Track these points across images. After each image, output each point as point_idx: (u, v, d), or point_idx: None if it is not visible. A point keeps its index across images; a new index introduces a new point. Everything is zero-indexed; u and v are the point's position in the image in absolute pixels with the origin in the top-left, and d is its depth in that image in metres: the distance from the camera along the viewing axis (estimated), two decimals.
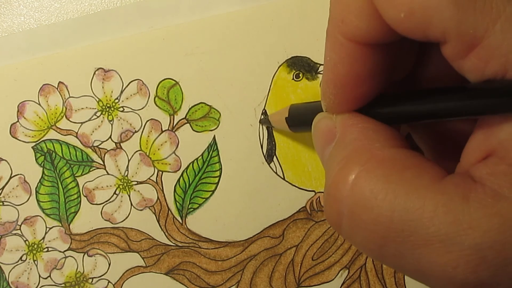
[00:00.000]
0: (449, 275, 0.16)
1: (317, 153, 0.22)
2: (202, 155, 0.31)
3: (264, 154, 0.31)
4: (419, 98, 0.19)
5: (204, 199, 0.31)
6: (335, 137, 0.20)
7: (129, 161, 0.31)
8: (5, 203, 0.31)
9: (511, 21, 0.15)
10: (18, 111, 0.31)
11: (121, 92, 0.31)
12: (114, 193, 0.31)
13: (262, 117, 0.31)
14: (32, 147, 0.31)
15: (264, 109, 0.31)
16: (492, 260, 0.15)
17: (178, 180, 0.31)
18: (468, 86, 0.17)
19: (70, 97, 0.31)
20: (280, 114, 0.28)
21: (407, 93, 0.20)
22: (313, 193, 0.31)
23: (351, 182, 0.18)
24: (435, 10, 0.15)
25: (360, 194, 0.17)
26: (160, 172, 0.31)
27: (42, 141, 0.31)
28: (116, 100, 0.31)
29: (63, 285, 0.31)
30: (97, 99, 0.31)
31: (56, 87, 0.31)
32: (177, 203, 0.31)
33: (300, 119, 0.26)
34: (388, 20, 0.17)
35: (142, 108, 0.31)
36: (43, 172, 0.31)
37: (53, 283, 0.31)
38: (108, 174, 0.31)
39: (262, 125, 0.31)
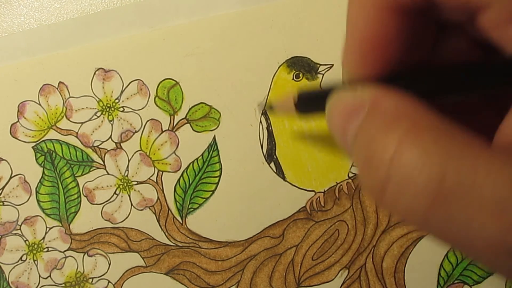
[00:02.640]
0: (500, 240, 0.15)
1: (335, 132, 0.21)
2: (202, 155, 0.31)
3: (264, 154, 0.31)
4: (445, 71, 0.18)
5: (204, 199, 0.31)
6: (361, 110, 0.19)
7: (129, 161, 0.31)
8: (5, 203, 0.31)
9: None
10: (18, 111, 0.31)
11: (122, 92, 0.31)
12: (114, 193, 0.31)
13: (263, 112, 0.30)
14: (33, 147, 0.31)
15: (264, 109, 0.31)
16: None
17: (178, 180, 0.31)
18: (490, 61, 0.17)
19: (70, 97, 0.31)
20: (285, 98, 0.26)
21: (432, 67, 0.19)
22: (313, 193, 0.31)
23: (396, 143, 0.17)
24: None
25: (406, 162, 0.16)
26: (160, 172, 0.31)
27: (43, 141, 0.31)
28: (117, 100, 0.31)
29: (63, 285, 0.31)
30: (98, 99, 0.31)
31: (57, 87, 0.31)
32: (177, 203, 0.31)
33: (311, 98, 0.24)
34: None
35: (142, 108, 0.31)
36: (43, 172, 0.31)
37: (53, 283, 0.31)
38: (108, 174, 0.31)
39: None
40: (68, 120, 0.31)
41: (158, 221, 0.31)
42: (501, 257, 0.16)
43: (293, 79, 0.31)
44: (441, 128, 0.17)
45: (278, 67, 0.31)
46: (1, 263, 0.31)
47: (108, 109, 0.31)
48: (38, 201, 0.31)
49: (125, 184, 0.31)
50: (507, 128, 0.18)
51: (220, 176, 0.31)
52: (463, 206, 0.16)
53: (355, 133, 0.19)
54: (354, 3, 0.19)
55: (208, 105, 0.31)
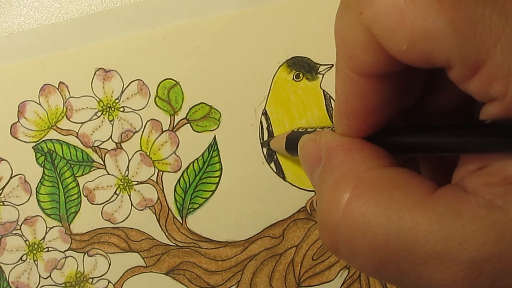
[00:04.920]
0: None
1: (307, 175, 0.22)
2: (202, 155, 0.31)
3: (264, 154, 0.31)
4: (422, 131, 0.19)
5: (204, 199, 0.31)
6: (321, 160, 0.21)
7: (129, 161, 0.31)
8: (5, 203, 0.31)
9: (510, 41, 0.15)
10: (18, 111, 0.31)
11: (122, 92, 0.31)
12: (115, 193, 0.31)
13: (265, 140, 0.31)
14: (33, 147, 0.31)
15: (264, 109, 0.31)
16: (489, 272, 0.15)
17: (179, 180, 0.31)
18: (464, 123, 0.18)
19: (70, 97, 0.31)
20: (280, 138, 0.28)
21: (410, 125, 0.20)
22: (313, 193, 0.31)
23: (342, 208, 0.18)
24: (436, 39, 0.16)
25: (352, 220, 0.17)
26: (161, 172, 0.31)
27: (43, 141, 0.31)
28: (117, 100, 0.31)
29: (63, 285, 0.31)
30: (98, 99, 0.31)
31: (57, 87, 0.31)
32: (178, 203, 0.31)
33: (295, 143, 0.26)
34: (392, 53, 0.17)
35: (142, 108, 0.31)
36: (43, 172, 0.31)
37: (53, 283, 0.31)
38: (108, 174, 0.31)
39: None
40: (68, 120, 0.31)
41: (158, 221, 0.31)
42: None
43: (293, 79, 0.31)
44: (384, 182, 0.18)
45: (278, 67, 0.31)
46: (1, 263, 0.31)
47: (108, 109, 0.31)
48: (38, 201, 0.31)
49: (125, 184, 0.31)
50: (461, 166, 0.18)
51: (220, 176, 0.31)
52: (410, 264, 0.16)
53: (316, 182, 0.21)
54: (338, 75, 0.20)
55: (208, 105, 0.31)
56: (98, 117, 0.31)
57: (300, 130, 0.28)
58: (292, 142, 0.27)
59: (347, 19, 0.18)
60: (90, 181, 0.31)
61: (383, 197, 0.17)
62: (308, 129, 0.26)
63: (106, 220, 0.31)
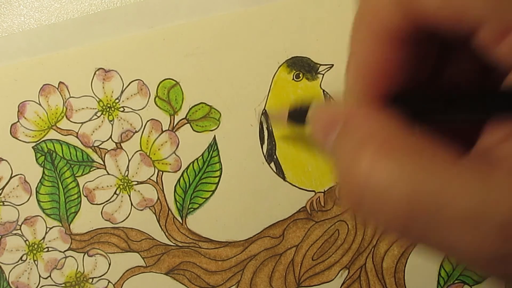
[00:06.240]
0: (477, 249, 0.16)
1: (317, 143, 0.22)
2: (202, 155, 0.31)
3: (264, 154, 0.31)
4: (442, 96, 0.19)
5: (204, 199, 0.31)
6: (336, 124, 0.20)
7: (129, 161, 0.31)
8: (5, 203, 0.31)
9: None
10: (18, 111, 0.31)
11: (122, 92, 0.31)
12: (115, 193, 0.31)
13: (263, 112, 0.30)
14: (33, 147, 0.31)
15: (264, 109, 0.31)
16: None
17: (179, 180, 0.31)
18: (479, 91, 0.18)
19: (70, 97, 0.31)
20: (281, 109, 0.28)
21: (433, 90, 0.20)
22: (313, 193, 0.31)
23: (366, 168, 0.17)
24: None
25: (378, 179, 0.17)
26: (161, 172, 0.31)
27: (43, 141, 0.31)
28: (117, 100, 0.31)
29: (63, 285, 0.31)
30: (98, 99, 0.31)
31: (57, 87, 0.31)
32: (177, 203, 0.31)
33: (302, 111, 0.26)
34: (424, 11, 0.17)
35: (142, 108, 0.31)
36: (43, 172, 0.31)
37: (53, 283, 0.31)
38: (108, 174, 0.31)
39: (261, 120, 0.30)
40: (68, 120, 0.31)
41: (158, 221, 0.31)
42: (482, 265, 0.17)
43: (293, 79, 0.31)
44: (410, 143, 0.18)
45: (278, 67, 0.31)
46: (1, 263, 0.31)
47: (108, 109, 0.31)
48: (38, 201, 0.31)
49: (125, 184, 0.31)
50: (487, 135, 0.18)
51: (220, 176, 0.31)
52: (436, 224, 0.16)
53: (333, 145, 0.20)
54: (355, 33, 0.20)
55: (208, 105, 0.31)
56: (98, 117, 0.31)
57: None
58: (297, 111, 0.26)
59: None
60: (90, 181, 0.31)
61: (410, 157, 0.17)
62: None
63: (106, 220, 0.31)
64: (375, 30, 0.19)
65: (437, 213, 0.16)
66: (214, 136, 0.31)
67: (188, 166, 0.31)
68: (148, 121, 0.31)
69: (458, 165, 0.17)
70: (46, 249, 0.31)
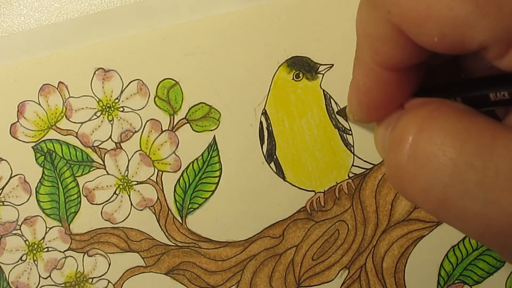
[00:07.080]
0: None
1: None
2: (202, 155, 0.31)
3: (264, 154, 0.31)
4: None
5: (204, 199, 0.31)
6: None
7: (129, 161, 0.31)
8: (5, 203, 0.31)
9: None
10: (18, 111, 0.31)
11: (121, 92, 0.31)
12: (114, 193, 0.31)
13: (341, 108, 0.30)
14: (32, 147, 0.31)
15: (264, 109, 0.31)
16: None
17: (178, 180, 0.31)
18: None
19: (70, 97, 0.31)
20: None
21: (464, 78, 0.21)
22: (313, 193, 0.31)
23: (419, 124, 0.18)
24: (465, 27, 0.16)
25: (429, 135, 0.18)
26: (160, 172, 0.31)
27: (42, 141, 0.31)
28: (116, 100, 0.31)
29: (63, 285, 0.31)
30: (97, 99, 0.31)
31: (56, 87, 0.31)
32: (177, 203, 0.31)
33: None
34: (424, 46, 0.18)
35: (142, 108, 0.31)
36: (43, 172, 0.31)
37: (53, 283, 0.31)
38: (108, 174, 0.31)
39: (261, 120, 0.30)
40: (68, 120, 0.31)
41: (158, 221, 0.31)
42: None
43: (293, 79, 0.31)
44: (461, 112, 0.18)
45: (278, 67, 0.31)
46: (1, 263, 0.31)
47: (108, 109, 0.31)
48: (38, 201, 0.31)
49: (125, 184, 0.31)
50: None
51: (220, 176, 0.31)
52: (479, 181, 0.16)
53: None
54: (361, 68, 0.21)
55: (208, 105, 0.31)
56: (98, 117, 0.31)
57: None
58: None
59: (374, 17, 0.19)
60: (89, 181, 0.31)
61: (462, 119, 0.18)
62: None
63: (106, 220, 0.31)
64: (379, 65, 0.20)
65: (480, 172, 0.16)
66: (214, 136, 0.31)
67: (188, 166, 0.31)
68: (147, 121, 0.31)
69: (505, 131, 0.17)
70: (46, 249, 0.31)
